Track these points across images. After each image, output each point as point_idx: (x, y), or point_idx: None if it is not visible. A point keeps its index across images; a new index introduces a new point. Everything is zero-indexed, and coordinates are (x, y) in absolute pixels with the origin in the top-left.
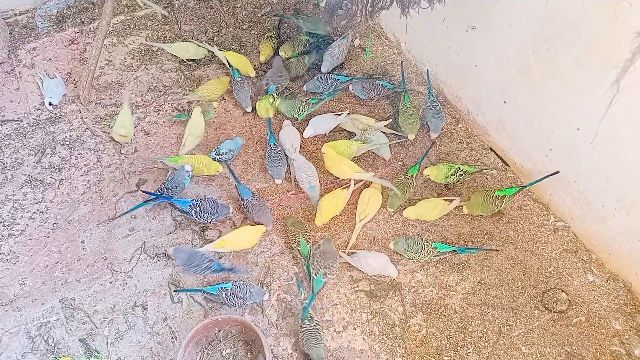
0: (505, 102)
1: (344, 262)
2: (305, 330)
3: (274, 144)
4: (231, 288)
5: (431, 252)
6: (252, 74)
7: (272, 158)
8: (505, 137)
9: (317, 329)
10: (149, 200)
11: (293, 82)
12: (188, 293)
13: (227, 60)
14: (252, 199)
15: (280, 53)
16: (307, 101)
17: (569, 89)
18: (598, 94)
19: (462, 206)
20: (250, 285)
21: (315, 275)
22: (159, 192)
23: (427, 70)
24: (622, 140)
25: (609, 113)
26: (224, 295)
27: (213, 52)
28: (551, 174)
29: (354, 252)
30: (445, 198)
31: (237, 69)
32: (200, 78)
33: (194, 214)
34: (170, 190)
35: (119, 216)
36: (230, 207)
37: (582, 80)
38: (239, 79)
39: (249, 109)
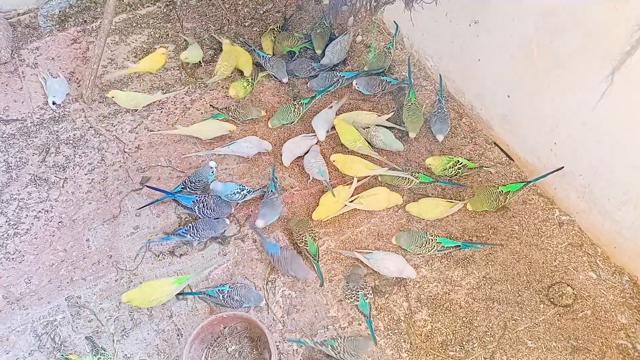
0: (509, 96)
1: (354, 258)
2: (340, 351)
3: (272, 190)
4: (228, 290)
5: (435, 247)
6: (247, 73)
7: (266, 203)
8: (509, 132)
9: (349, 339)
10: (168, 193)
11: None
12: (194, 291)
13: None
14: (282, 252)
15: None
16: (300, 102)
17: (573, 83)
18: (602, 88)
19: (466, 203)
20: (249, 289)
21: (357, 301)
22: (183, 185)
23: (440, 76)
24: (626, 134)
25: (613, 106)
26: (221, 298)
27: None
28: (556, 170)
29: (370, 252)
30: (448, 200)
31: (259, 50)
32: (202, 76)
33: (197, 210)
34: (193, 184)
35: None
36: (232, 206)
37: (586, 74)
38: (268, 56)
39: (286, 79)
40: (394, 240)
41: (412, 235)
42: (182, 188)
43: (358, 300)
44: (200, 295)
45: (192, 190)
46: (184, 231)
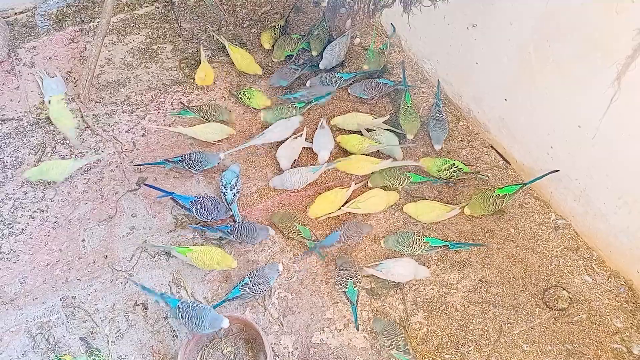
0: (506, 99)
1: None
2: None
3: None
4: (250, 280)
5: (423, 247)
6: (259, 71)
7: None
8: (506, 135)
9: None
10: (168, 161)
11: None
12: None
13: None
14: (341, 231)
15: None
16: (294, 106)
17: (570, 86)
18: (599, 92)
19: (463, 207)
20: (263, 268)
21: (346, 287)
22: (181, 158)
23: (438, 81)
24: (622, 138)
25: (609, 110)
26: (247, 290)
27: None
28: (551, 172)
29: (379, 263)
30: (445, 204)
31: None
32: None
33: (194, 211)
34: (191, 162)
35: (143, 164)
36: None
37: (583, 77)
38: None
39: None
40: (382, 243)
41: (399, 236)
42: (179, 160)
43: (347, 287)
44: (230, 300)
45: (187, 166)
46: (229, 230)
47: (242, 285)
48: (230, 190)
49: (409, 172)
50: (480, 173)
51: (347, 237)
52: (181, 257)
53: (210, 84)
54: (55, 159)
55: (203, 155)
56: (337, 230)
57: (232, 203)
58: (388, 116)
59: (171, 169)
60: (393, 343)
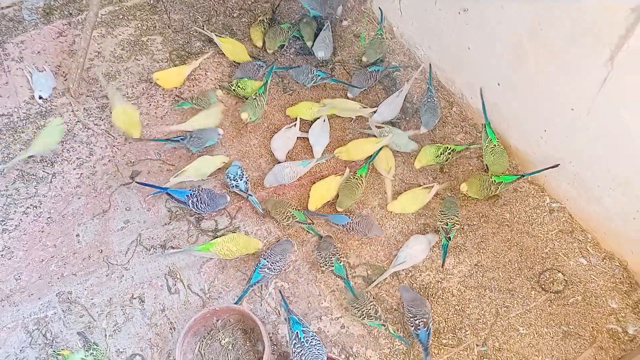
0: (499, 84)
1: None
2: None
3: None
4: (267, 261)
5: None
6: (248, 59)
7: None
8: (499, 120)
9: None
10: (170, 140)
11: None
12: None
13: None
14: (352, 220)
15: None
16: (258, 95)
17: (563, 69)
18: (592, 73)
19: (459, 186)
20: (276, 246)
21: (332, 266)
22: (182, 137)
23: (430, 65)
24: (616, 120)
25: (602, 91)
26: (267, 271)
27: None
28: (551, 167)
29: (396, 258)
30: (424, 186)
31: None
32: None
33: (190, 204)
34: (193, 139)
35: (156, 140)
36: (227, 196)
37: (575, 59)
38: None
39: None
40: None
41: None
42: (181, 138)
43: (333, 266)
44: (253, 286)
45: (189, 143)
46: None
47: (260, 268)
48: (241, 180)
49: (358, 178)
50: (471, 145)
51: (352, 228)
52: (204, 255)
53: (179, 85)
54: None
55: (203, 132)
56: (348, 217)
57: (248, 190)
58: (376, 108)
59: (164, 163)
60: (364, 312)
